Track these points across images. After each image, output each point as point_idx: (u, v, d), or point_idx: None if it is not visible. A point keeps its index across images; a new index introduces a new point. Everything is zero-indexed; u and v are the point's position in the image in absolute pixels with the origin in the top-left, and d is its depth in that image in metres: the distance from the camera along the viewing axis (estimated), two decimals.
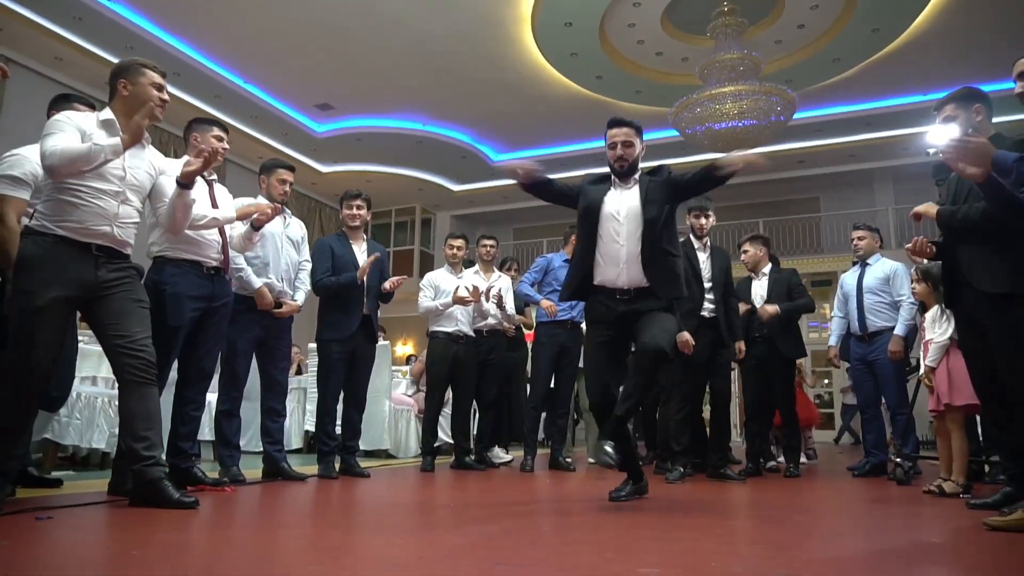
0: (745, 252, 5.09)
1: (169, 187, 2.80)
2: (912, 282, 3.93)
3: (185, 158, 3.04)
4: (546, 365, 4.98)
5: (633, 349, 3.05)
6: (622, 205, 3.04)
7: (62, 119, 2.49)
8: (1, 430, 2.35)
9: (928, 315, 3.82)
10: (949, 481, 3.49)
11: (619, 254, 2.98)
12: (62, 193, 2.44)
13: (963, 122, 2.99)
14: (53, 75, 9.56)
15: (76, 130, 2.47)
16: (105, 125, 2.57)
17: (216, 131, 3.37)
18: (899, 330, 4.63)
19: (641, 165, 3.18)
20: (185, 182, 2.73)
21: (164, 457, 2.68)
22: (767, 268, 5.06)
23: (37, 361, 2.37)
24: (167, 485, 2.47)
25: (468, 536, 2.12)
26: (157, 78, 2.69)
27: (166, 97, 2.72)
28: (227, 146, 3.38)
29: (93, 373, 4.41)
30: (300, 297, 4.04)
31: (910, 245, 3.16)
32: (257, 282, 3.69)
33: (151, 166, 2.74)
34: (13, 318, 2.39)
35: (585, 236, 3.09)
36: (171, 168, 2.87)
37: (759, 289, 4.98)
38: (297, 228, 4.09)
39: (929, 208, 3.01)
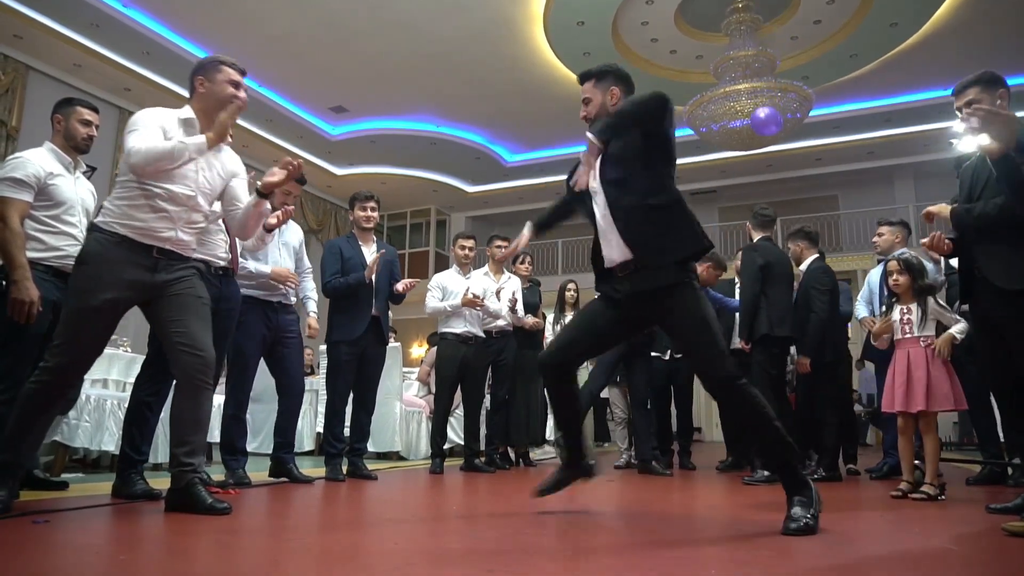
0: (789, 248, 4.87)
1: (242, 191, 2.77)
2: (893, 274, 3.62)
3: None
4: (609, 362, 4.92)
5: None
6: (597, 170, 2.57)
7: (144, 116, 2.49)
8: (24, 422, 2.34)
9: (906, 313, 3.56)
10: (927, 484, 3.34)
11: (604, 227, 2.52)
12: (135, 192, 2.44)
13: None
14: (72, 81, 9.70)
15: (158, 128, 2.47)
16: (185, 123, 2.56)
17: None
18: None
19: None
20: (266, 192, 2.69)
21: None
22: (806, 264, 4.75)
23: (77, 360, 2.38)
24: (200, 490, 2.44)
25: (464, 540, 2.08)
26: (235, 75, 2.64)
27: (243, 95, 2.66)
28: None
29: (103, 376, 4.45)
30: (312, 306, 4.03)
31: (926, 240, 3.05)
32: (267, 267, 3.68)
33: (223, 168, 2.70)
34: (64, 315, 2.40)
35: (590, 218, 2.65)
36: (243, 172, 2.84)
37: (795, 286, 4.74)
38: (295, 233, 4.01)
39: (942, 208, 2.92)
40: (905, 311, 3.55)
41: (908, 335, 3.53)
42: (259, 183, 2.68)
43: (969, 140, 2.61)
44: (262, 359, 3.80)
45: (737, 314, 5.15)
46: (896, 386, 3.48)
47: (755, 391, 2.33)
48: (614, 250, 2.48)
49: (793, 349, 4.82)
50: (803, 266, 4.77)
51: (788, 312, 4.46)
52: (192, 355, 2.43)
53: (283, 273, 3.70)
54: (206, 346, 2.47)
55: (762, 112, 8.68)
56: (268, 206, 2.79)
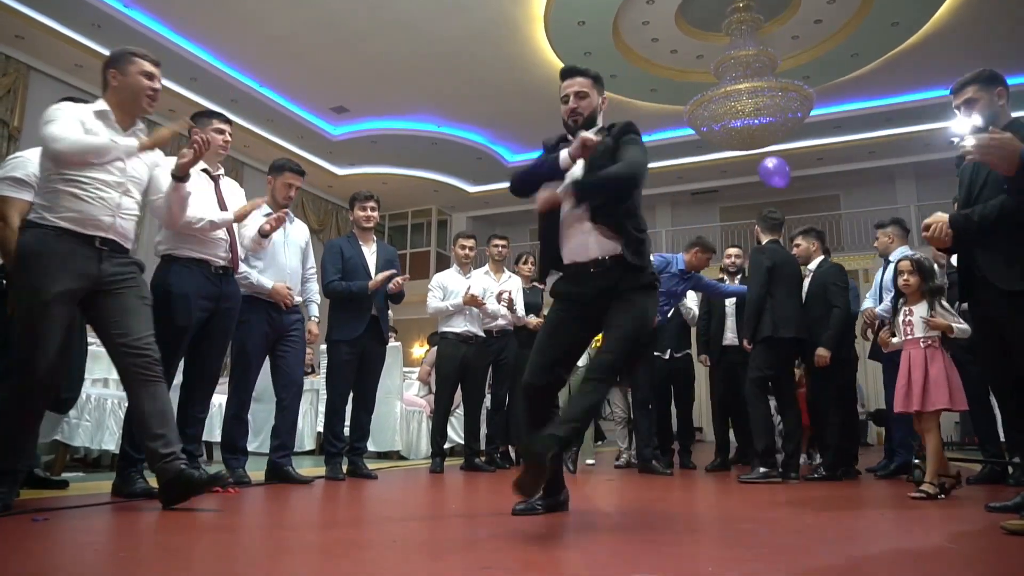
0: (797, 246, 4.88)
1: (164, 180, 2.78)
2: (904, 274, 3.61)
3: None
4: None
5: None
6: (576, 169, 2.53)
7: (61, 107, 2.49)
8: (9, 430, 2.34)
9: (908, 315, 3.57)
10: (926, 483, 3.33)
11: (582, 224, 2.49)
12: (63, 184, 2.43)
13: (985, 105, 2.88)
14: (73, 81, 9.70)
15: (77, 120, 2.47)
16: (100, 116, 2.56)
17: (216, 123, 3.33)
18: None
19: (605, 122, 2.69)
20: (180, 175, 2.70)
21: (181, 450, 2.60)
22: (814, 264, 4.80)
23: (45, 358, 2.35)
24: (191, 472, 2.46)
25: (461, 538, 2.08)
26: (147, 66, 2.63)
27: (157, 86, 2.66)
28: (228, 138, 3.37)
29: (104, 375, 4.45)
30: (314, 310, 4.01)
31: (929, 220, 2.90)
32: (268, 283, 3.66)
33: (147, 158, 2.70)
34: (20, 315, 2.37)
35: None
36: (165, 161, 2.84)
37: (804, 286, 4.74)
38: (301, 232, 3.99)
39: (939, 217, 2.87)
40: (908, 312, 3.56)
41: (910, 336, 3.54)
42: (173, 169, 2.71)
43: (970, 139, 2.58)
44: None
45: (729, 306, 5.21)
46: (899, 387, 3.51)
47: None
48: (591, 248, 2.48)
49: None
50: (812, 265, 4.80)
51: (793, 314, 4.49)
52: (138, 355, 2.46)
53: (282, 292, 3.67)
54: (150, 344, 2.51)
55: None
56: (187, 189, 2.79)
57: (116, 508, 2.53)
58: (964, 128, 3.08)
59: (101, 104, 2.60)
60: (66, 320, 2.41)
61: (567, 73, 2.65)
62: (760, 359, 4.50)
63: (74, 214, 2.42)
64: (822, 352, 4.47)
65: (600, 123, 2.66)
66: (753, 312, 4.52)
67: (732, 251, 5.63)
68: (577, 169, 2.52)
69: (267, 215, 3.61)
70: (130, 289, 2.54)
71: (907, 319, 3.56)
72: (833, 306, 4.53)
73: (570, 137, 2.62)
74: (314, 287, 4.04)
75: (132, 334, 2.48)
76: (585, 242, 2.50)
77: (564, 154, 2.49)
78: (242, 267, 3.58)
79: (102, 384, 4.46)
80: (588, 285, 2.50)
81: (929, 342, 3.45)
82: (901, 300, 3.66)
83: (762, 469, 4.29)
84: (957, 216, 2.83)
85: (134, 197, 2.62)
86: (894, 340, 3.67)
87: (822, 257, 4.82)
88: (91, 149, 2.41)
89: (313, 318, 3.99)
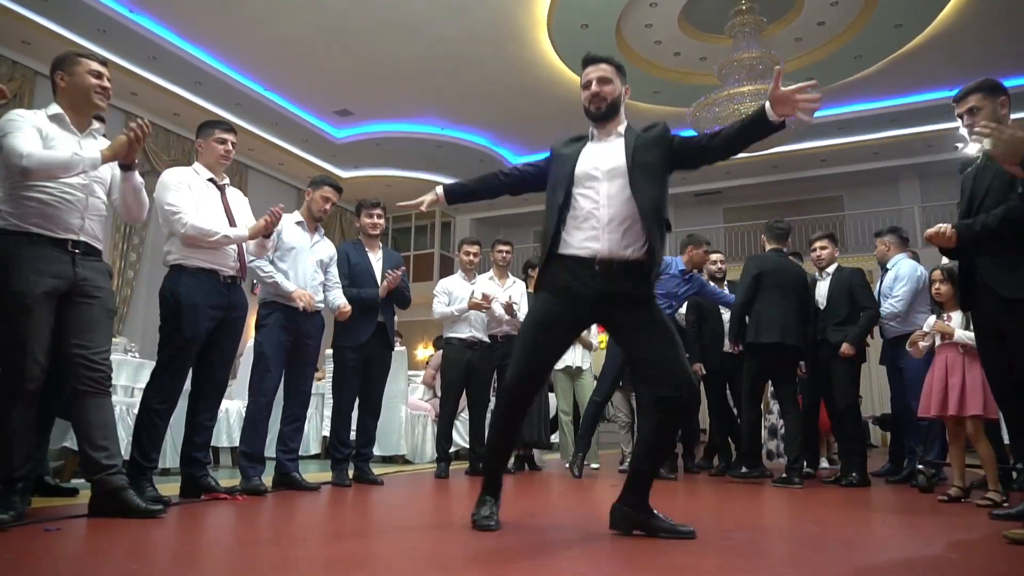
0: (824, 250, 4.88)
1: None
2: (936, 283, 3.80)
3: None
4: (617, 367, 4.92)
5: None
6: (601, 160, 2.44)
7: (15, 117, 2.49)
8: (7, 438, 2.34)
9: (947, 321, 3.72)
10: (992, 491, 3.38)
11: (598, 216, 2.37)
12: (29, 190, 2.44)
13: (988, 114, 2.90)
14: None
15: (34, 128, 2.48)
16: (55, 119, 2.58)
17: (218, 133, 3.36)
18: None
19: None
20: (126, 163, 2.67)
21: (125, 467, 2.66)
22: (832, 267, 4.83)
23: (36, 363, 2.36)
24: (131, 494, 2.49)
25: (463, 549, 2.10)
26: (94, 65, 2.64)
27: (106, 84, 2.66)
28: (231, 148, 3.38)
29: (113, 382, 4.47)
30: (340, 297, 4.02)
31: (932, 230, 2.93)
32: (290, 286, 3.70)
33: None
34: (3, 321, 2.37)
35: (554, 203, 2.46)
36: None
37: (822, 290, 4.76)
38: (327, 248, 4.04)
39: (943, 228, 2.89)
40: (946, 319, 3.70)
41: (947, 341, 3.64)
42: (106, 155, 2.62)
43: (973, 145, 2.59)
44: None
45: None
46: (935, 391, 3.60)
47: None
48: (603, 241, 2.35)
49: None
50: (830, 269, 4.85)
51: (779, 319, 4.55)
52: (92, 369, 2.48)
53: (304, 296, 3.70)
54: (106, 360, 2.54)
55: None
56: (139, 179, 2.75)
57: (127, 518, 2.55)
58: (968, 134, 3.10)
59: (54, 108, 2.61)
60: (51, 321, 2.43)
61: (591, 60, 2.56)
62: (747, 368, 4.70)
63: (44, 219, 2.45)
64: (846, 349, 4.48)
65: (623, 117, 2.56)
66: (734, 318, 4.80)
67: (715, 256, 5.60)
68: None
69: (298, 223, 3.88)
70: (98, 300, 2.55)
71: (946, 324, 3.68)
72: (863, 307, 4.57)
73: (592, 129, 2.55)
74: (338, 294, 4.04)
75: (92, 348, 2.50)
76: (595, 235, 2.38)
77: None
78: (267, 267, 3.64)
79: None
80: (592, 282, 2.37)
81: (968, 348, 3.53)
82: (941, 308, 3.84)
83: (744, 469, 4.71)
84: (960, 226, 2.86)
85: (100, 198, 2.65)
86: (922, 344, 3.82)
87: (835, 264, 4.86)
88: (58, 165, 2.42)
89: (342, 303, 3.99)
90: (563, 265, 2.40)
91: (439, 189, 2.77)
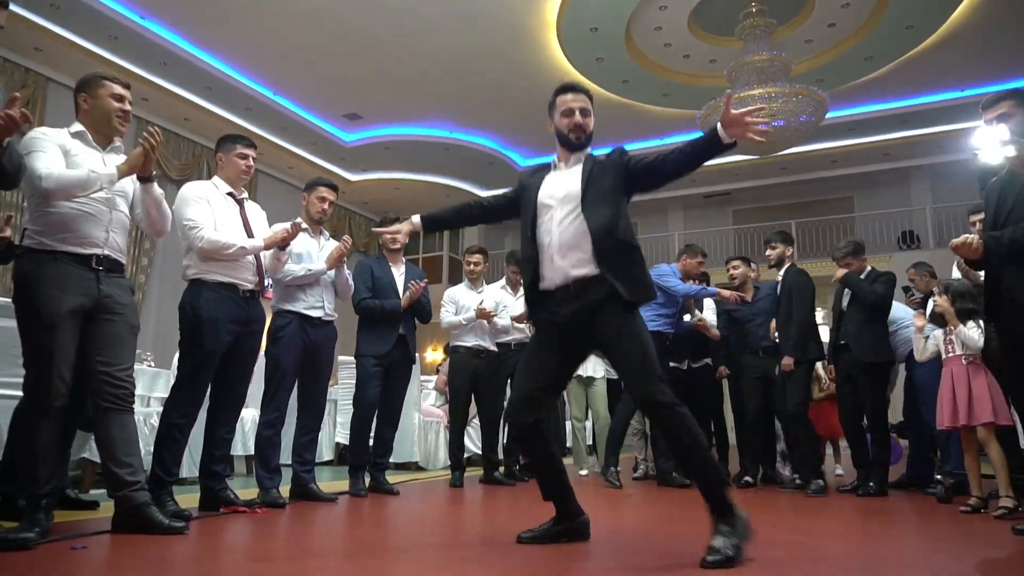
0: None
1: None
2: (936, 295, 3.81)
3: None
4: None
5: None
6: (558, 188, 2.52)
7: (39, 136, 2.51)
8: (32, 455, 2.37)
9: (949, 334, 3.74)
10: (1004, 497, 3.39)
11: (551, 243, 2.45)
12: (53, 206, 2.46)
13: (1019, 121, 2.89)
14: None
15: (56, 147, 2.50)
16: (78, 136, 2.61)
17: (240, 148, 3.38)
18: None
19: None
20: (144, 175, 2.69)
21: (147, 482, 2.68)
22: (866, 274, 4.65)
23: (63, 381, 2.38)
24: (154, 511, 2.50)
25: (476, 562, 2.10)
26: (117, 89, 2.67)
27: (127, 108, 2.70)
28: (252, 163, 3.40)
29: None
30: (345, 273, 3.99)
31: (958, 240, 2.89)
32: (319, 264, 3.74)
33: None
34: (29, 341, 2.40)
35: (524, 234, 2.56)
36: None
37: (847, 295, 4.63)
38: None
39: (970, 239, 2.85)
40: (949, 331, 3.73)
41: (951, 354, 3.70)
42: (122, 169, 2.62)
43: (995, 152, 2.57)
44: None
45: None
46: (945, 403, 3.66)
47: (687, 416, 2.26)
48: (557, 270, 2.43)
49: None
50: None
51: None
52: (116, 385, 2.49)
53: (335, 257, 3.75)
54: (130, 376, 2.55)
55: None
56: (159, 190, 2.76)
57: (149, 534, 2.56)
58: (989, 140, 3.08)
59: (77, 126, 2.64)
60: (76, 339, 2.45)
61: (574, 88, 2.61)
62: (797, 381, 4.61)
63: (69, 234, 2.47)
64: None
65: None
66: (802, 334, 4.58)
67: (735, 263, 5.31)
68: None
69: (303, 230, 3.75)
70: (121, 316, 2.56)
71: (948, 338, 3.74)
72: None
73: (556, 157, 2.62)
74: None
75: (116, 364, 2.51)
76: (552, 268, 2.50)
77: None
78: (292, 267, 3.65)
79: None
80: (558, 308, 2.49)
81: (971, 359, 3.60)
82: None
83: (747, 478, 4.83)
84: (987, 238, 2.84)
85: (123, 211, 2.67)
86: (929, 350, 3.93)
87: (868, 269, 4.68)
88: (76, 184, 2.44)
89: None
90: (539, 298, 2.53)
91: (415, 218, 2.78)
